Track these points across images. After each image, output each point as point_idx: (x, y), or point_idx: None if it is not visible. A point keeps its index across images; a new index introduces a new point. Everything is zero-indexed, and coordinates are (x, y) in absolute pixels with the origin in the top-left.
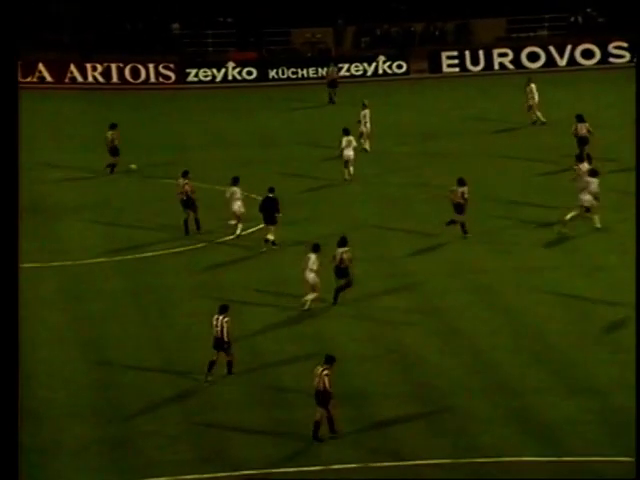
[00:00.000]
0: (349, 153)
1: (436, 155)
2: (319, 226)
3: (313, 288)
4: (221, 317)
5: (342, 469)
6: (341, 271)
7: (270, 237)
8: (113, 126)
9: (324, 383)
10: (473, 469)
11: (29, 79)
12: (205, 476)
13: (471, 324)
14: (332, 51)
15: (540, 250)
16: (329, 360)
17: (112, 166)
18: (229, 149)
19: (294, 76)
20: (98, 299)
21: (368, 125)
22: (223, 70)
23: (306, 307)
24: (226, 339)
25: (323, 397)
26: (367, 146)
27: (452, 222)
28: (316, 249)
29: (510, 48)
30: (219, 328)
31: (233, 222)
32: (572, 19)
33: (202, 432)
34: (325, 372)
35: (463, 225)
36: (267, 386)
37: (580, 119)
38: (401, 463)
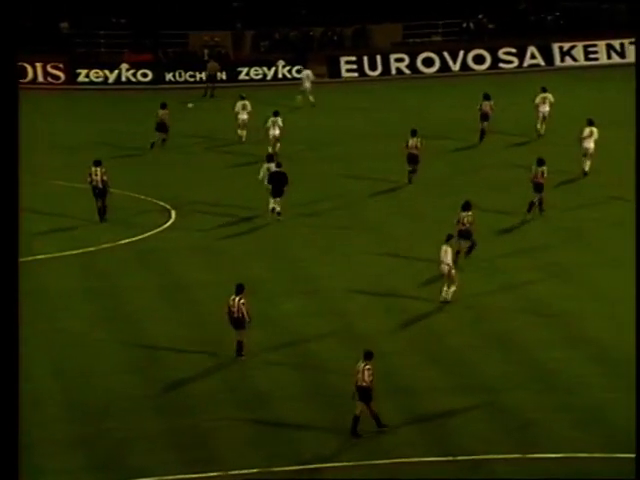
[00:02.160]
0: (275, 132)
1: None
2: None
3: (451, 280)
4: (237, 298)
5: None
6: (465, 234)
7: (277, 208)
8: (163, 106)
9: (366, 379)
10: (380, 470)
11: None
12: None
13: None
14: (231, 55)
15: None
16: (368, 356)
17: (163, 141)
18: (124, 152)
19: (192, 79)
20: None
21: (277, 132)
22: (116, 71)
23: (448, 299)
24: (247, 318)
25: (365, 393)
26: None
27: (533, 204)
28: (450, 239)
29: (406, 53)
30: (236, 308)
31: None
32: (464, 25)
33: (96, 439)
34: (367, 367)
35: (541, 202)
36: (169, 391)
37: (486, 97)
38: (304, 467)
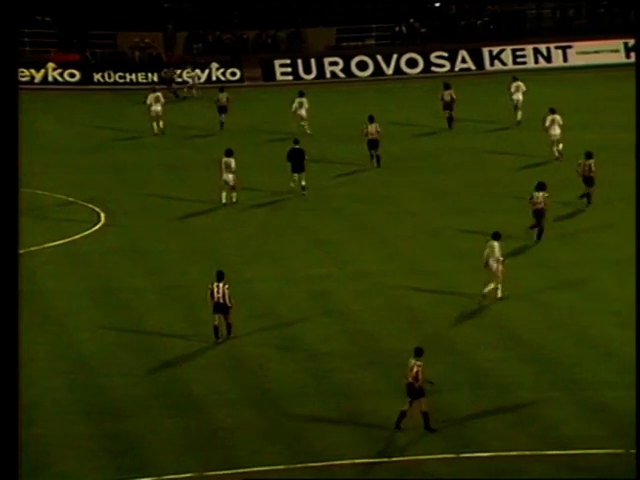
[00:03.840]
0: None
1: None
2: None
3: (495, 278)
4: (221, 284)
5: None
6: (539, 213)
7: (302, 182)
8: (222, 89)
9: (417, 376)
10: (309, 473)
11: None
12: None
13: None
14: (163, 56)
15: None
16: (419, 352)
17: (222, 124)
18: (52, 154)
19: (121, 80)
20: None
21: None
22: (43, 71)
23: (485, 294)
24: (228, 304)
25: (415, 390)
26: None
27: (585, 195)
28: (497, 237)
29: (340, 57)
30: (220, 294)
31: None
32: (397, 29)
33: (22, 445)
34: (418, 364)
35: (590, 196)
36: (97, 396)
37: (446, 86)
38: (236, 471)
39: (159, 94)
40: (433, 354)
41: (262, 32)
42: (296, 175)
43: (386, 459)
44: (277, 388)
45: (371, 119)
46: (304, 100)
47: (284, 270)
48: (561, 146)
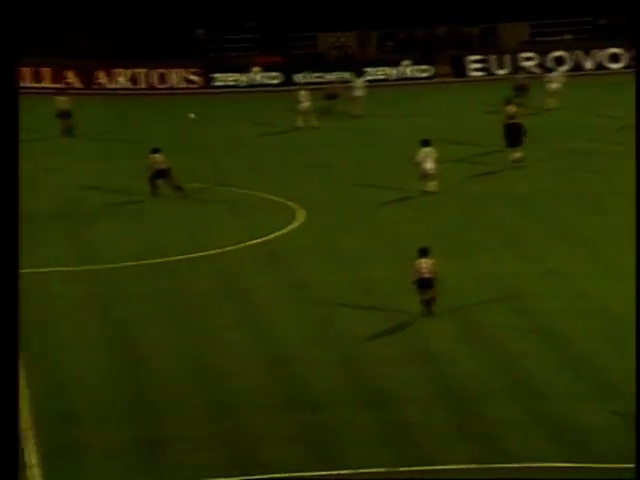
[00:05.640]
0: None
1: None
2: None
3: None
4: (427, 259)
5: (370, 473)
6: None
7: (516, 155)
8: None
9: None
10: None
11: (58, 85)
12: (234, 479)
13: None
14: (356, 55)
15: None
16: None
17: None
18: (251, 154)
19: (319, 80)
20: (127, 303)
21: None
22: (248, 74)
23: None
24: (436, 277)
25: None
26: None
27: None
28: None
29: (537, 52)
30: (427, 270)
31: (423, 182)
32: (596, 23)
33: (230, 435)
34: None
35: None
36: (294, 389)
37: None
38: (429, 467)
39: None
40: (629, 358)
41: (454, 28)
42: (512, 149)
43: (579, 464)
44: (469, 386)
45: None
46: (429, 150)
47: (472, 266)
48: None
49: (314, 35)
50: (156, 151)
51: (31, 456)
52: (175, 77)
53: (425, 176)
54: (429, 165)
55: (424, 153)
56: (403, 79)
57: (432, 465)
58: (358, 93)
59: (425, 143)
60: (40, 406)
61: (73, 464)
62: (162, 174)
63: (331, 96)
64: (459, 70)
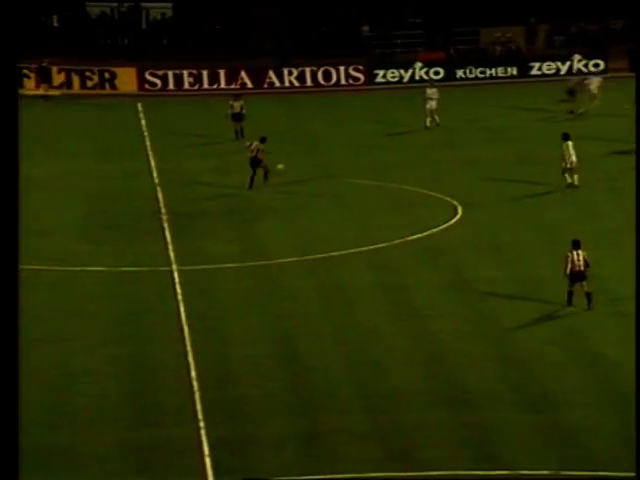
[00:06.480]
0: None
1: None
2: None
3: None
4: (578, 252)
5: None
6: None
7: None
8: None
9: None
10: None
11: (232, 85)
12: (391, 474)
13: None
14: (522, 50)
15: None
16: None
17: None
18: (411, 149)
19: (482, 75)
20: (290, 297)
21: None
22: (410, 70)
23: None
24: (587, 270)
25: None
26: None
27: None
28: None
29: None
30: (580, 262)
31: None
32: None
33: (388, 430)
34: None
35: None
36: (452, 386)
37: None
38: (593, 473)
39: (435, 89)
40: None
41: (631, 21)
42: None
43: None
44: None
45: None
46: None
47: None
48: None
49: (476, 30)
50: (263, 140)
51: (202, 445)
52: (340, 74)
53: (568, 169)
54: (573, 158)
55: (566, 146)
56: (572, 74)
57: (600, 471)
58: (594, 90)
59: (566, 137)
60: (206, 398)
61: (241, 455)
62: (256, 162)
63: (572, 91)
64: (636, 65)
